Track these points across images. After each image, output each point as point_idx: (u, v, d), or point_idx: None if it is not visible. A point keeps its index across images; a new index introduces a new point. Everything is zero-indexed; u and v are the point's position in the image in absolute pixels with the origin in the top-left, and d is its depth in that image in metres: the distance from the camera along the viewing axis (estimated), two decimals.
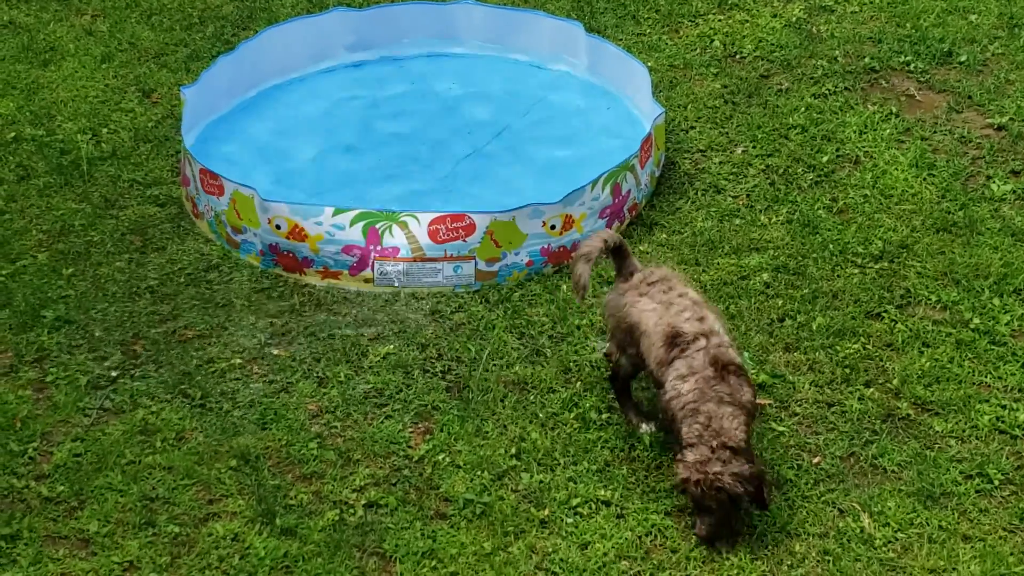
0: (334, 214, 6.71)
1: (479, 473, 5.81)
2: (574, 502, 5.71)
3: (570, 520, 5.64)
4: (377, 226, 6.72)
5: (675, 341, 5.64)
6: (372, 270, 6.75)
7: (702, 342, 5.61)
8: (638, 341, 5.78)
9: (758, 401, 6.09)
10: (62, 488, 5.76)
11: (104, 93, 8.26)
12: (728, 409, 5.47)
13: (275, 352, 6.45)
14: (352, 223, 6.72)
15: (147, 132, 7.92)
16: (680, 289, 5.82)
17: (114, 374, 6.33)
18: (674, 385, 5.57)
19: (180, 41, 8.75)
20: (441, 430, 6.03)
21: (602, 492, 5.74)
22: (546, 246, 6.82)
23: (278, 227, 6.78)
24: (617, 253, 5.99)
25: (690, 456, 5.42)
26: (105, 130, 7.93)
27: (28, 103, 8.15)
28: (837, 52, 8.47)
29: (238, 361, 6.39)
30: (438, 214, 6.70)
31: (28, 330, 6.55)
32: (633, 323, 5.80)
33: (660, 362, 5.67)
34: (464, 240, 6.69)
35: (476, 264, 6.74)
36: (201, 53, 8.57)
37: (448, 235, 6.69)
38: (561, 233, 6.83)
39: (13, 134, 7.88)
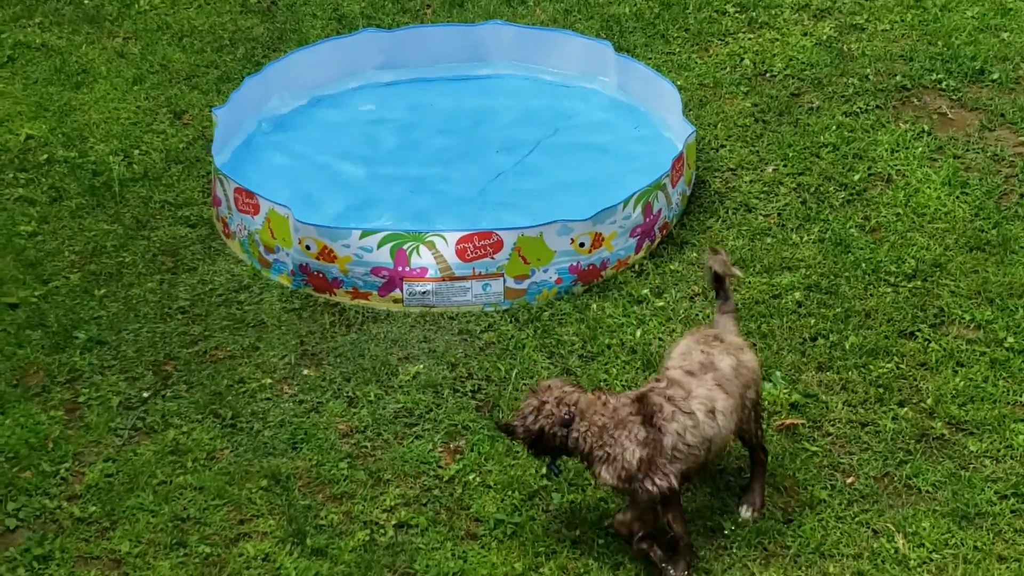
0: (361, 236, 6.72)
1: (510, 493, 5.79)
2: (606, 523, 5.68)
3: (601, 541, 5.61)
4: (404, 247, 6.71)
5: None
6: (401, 290, 6.75)
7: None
8: None
9: (790, 421, 6.07)
10: (94, 508, 5.77)
11: (136, 115, 8.30)
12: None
13: (305, 372, 6.45)
14: (380, 245, 6.72)
15: (178, 153, 7.96)
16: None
17: (146, 395, 6.34)
18: None
19: (211, 63, 8.78)
20: (471, 450, 6.01)
21: None
22: (575, 264, 6.81)
23: (308, 247, 6.79)
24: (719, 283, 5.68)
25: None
26: (137, 151, 7.97)
27: (60, 125, 8.19)
28: (868, 70, 8.43)
29: (268, 381, 6.39)
30: (465, 232, 6.70)
31: (60, 351, 6.57)
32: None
33: None
34: (492, 257, 6.69)
35: (505, 282, 6.73)
36: (232, 75, 8.60)
37: (476, 253, 6.68)
38: (590, 251, 6.82)
39: (45, 156, 7.93)
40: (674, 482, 5.31)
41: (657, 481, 5.28)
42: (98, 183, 7.69)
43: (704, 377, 5.39)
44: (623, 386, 6.30)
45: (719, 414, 5.36)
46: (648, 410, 5.31)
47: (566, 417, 5.30)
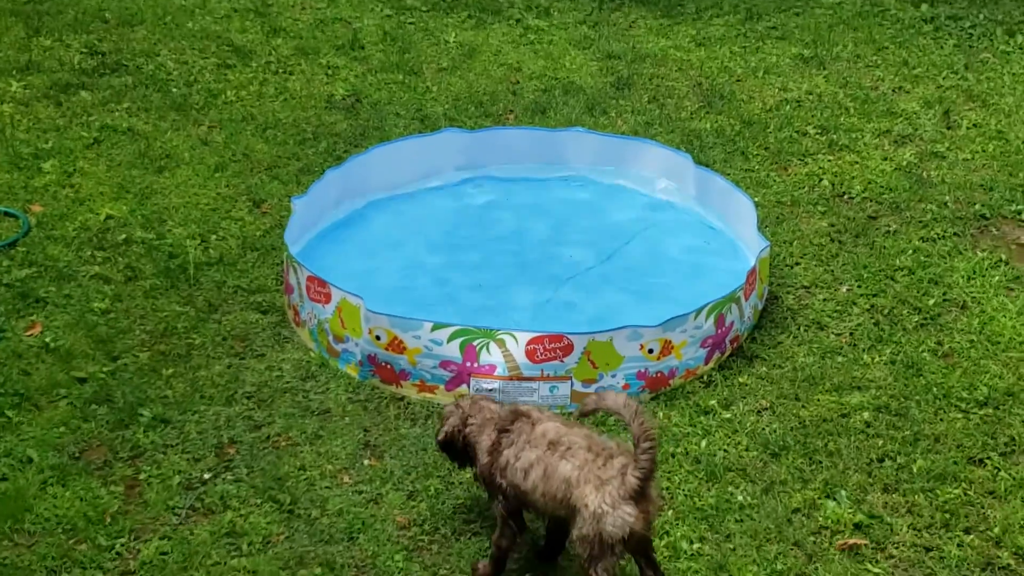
0: (433, 329, 6.73)
1: None
2: None
3: None
4: (475, 343, 6.71)
5: None
6: (468, 386, 6.73)
7: None
8: None
9: (853, 541, 5.97)
10: None
11: (215, 201, 8.40)
12: None
13: (367, 463, 6.43)
14: (450, 339, 6.72)
15: (255, 241, 8.04)
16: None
17: (206, 476, 6.34)
18: None
19: (292, 155, 8.90)
20: (529, 549, 5.94)
21: None
22: (643, 370, 6.77)
23: (378, 338, 6.80)
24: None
25: None
26: (214, 237, 8.06)
27: (140, 207, 8.31)
28: (947, 197, 8.40)
29: (329, 470, 6.37)
30: (536, 334, 6.69)
31: (125, 427, 6.60)
32: None
33: None
34: (561, 360, 6.66)
35: (572, 385, 6.70)
36: (312, 167, 8.71)
37: (545, 355, 6.67)
38: (659, 358, 6.78)
39: (124, 236, 8.03)
40: (499, 505, 5.64)
41: (492, 491, 5.67)
42: (173, 265, 7.77)
43: (571, 447, 5.45)
44: (685, 495, 6.23)
45: (547, 477, 5.45)
46: (506, 425, 5.65)
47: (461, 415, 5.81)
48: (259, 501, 6.20)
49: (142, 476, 6.33)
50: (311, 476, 6.33)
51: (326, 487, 6.27)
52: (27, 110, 9.34)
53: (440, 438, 5.93)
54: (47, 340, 7.14)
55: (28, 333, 7.22)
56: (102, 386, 6.86)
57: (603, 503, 5.27)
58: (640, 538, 5.37)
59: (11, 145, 8.90)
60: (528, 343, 6.68)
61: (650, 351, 6.75)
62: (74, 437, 6.53)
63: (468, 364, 6.70)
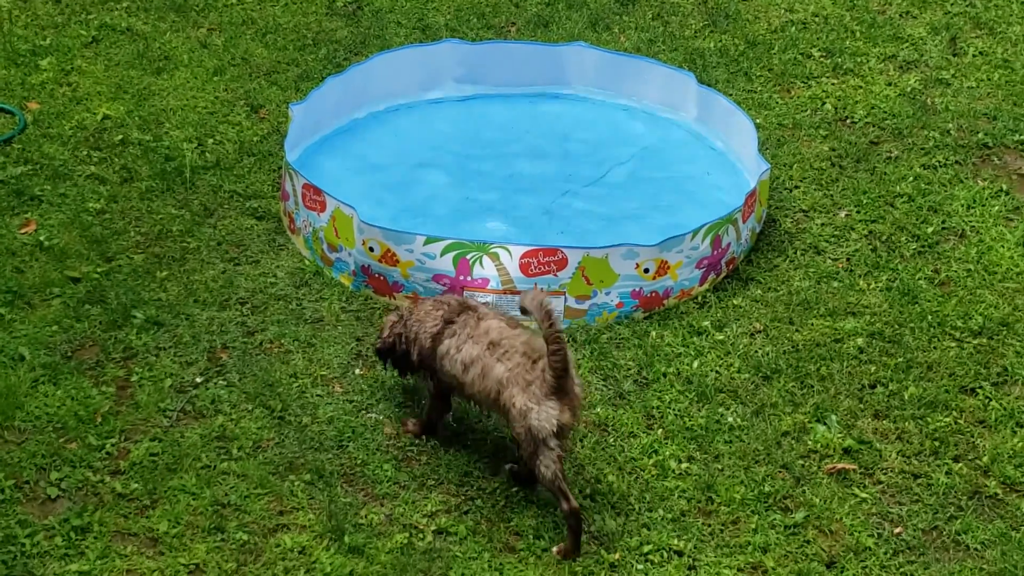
0: (425, 243, 6.69)
1: (552, 510, 5.73)
2: (646, 549, 5.61)
3: (640, 567, 5.55)
4: (468, 256, 6.69)
5: None
6: None
7: None
8: None
9: (841, 465, 5.99)
10: (136, 486, 5.77)
11: (213, 105, 8.33)
12: None
13: (358, 372, 6.42)
14: (443, 252, 6.69)
15: (252, 146, 7.98)
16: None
17: (198, 379, 6.34)
18: None
19: (292, 60, 8.82)
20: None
21: (675, 542, 5.64)
22: (638, 289, 6.75)
23: (371, 249, 6.77)
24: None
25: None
26: (211, 140, 8.00)
27: (138, 108, 8.24)
28: (950, 125, 8.34)
29: (321, 378, 6.37)
30: (530, 247, 6.66)
31: (118, 328, 6.59)
32: None
33: None
34: (555, 275, 6.64)
35: (566, 300, 6.68)
36: (312, 73, 8.63)
37: (540, 269, 6.64)
38: (654, 278, 6.76)
39: (120, 137, 7.97)
40: (431, 385, 5.96)
41: (428, 372, 5.96)
42: (169, 168, 7.72)
43: (508, 350, 5.69)
44: (675, 415, 6.23)
45: (484, 376, 5.70)
46: (453, 316, 5.90)
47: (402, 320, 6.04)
48: (250, 406, 6.20)
49: (134, 378, 6.33)
50: (303, 383, 6.33)
51: (317, 395, 6.28)
52: (25, 6, 9.24)
53: (379, 346, 6.08)
54: (41, 238, 7.11)
55: (22, 231, 7.19)
56: (95, 286, 6.83)
57: (528, 402, 5.52)
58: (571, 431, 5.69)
59: (8, 41, 8.81)
60: (522, 256, 6.65)
61: (646, 270, 6.73)
62: (66, 336, 6.52)
63: (461, 277, 6.68)
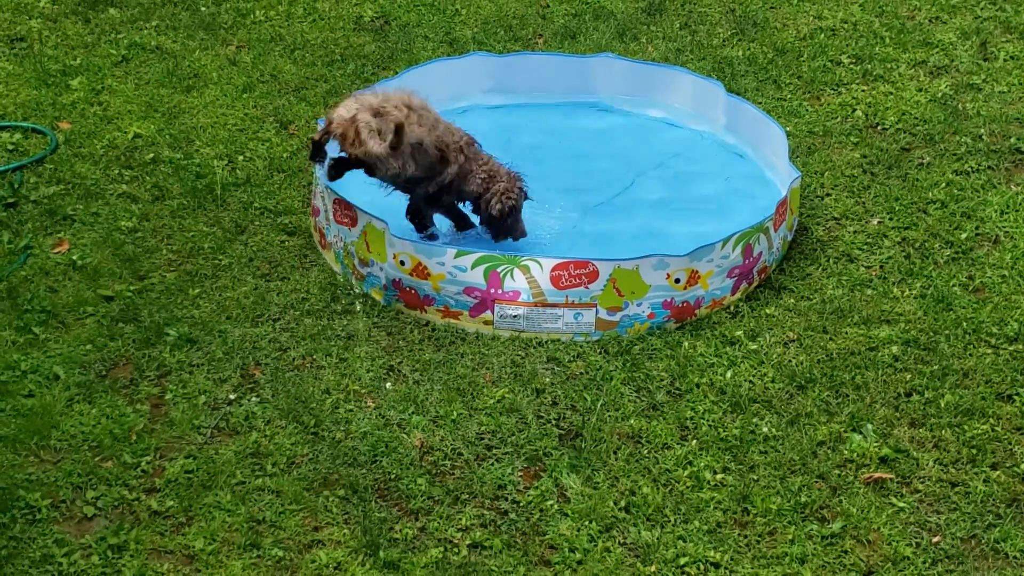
0: (456, 256, 6.69)
1: (587, 523, 5.72)
2: (682, 561, 5.58)
3: None
4: (499, 269, 6.68)
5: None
6: (492, 312, 6.71)
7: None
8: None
9: (879, 475, 5.95)
10: (171, 503, 5.78)
11: (243, 122, 8.36)
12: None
13: (390, 387, 6.42)
14: (474, 265, 6.69)
15: (281, 162, 8.00)
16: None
17: (232, 396, 6.35)
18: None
19: (321, 76, 8.85)
20: (551, 477, 5.95)
21: (712, 553, 5.61)
22: (669, 299, 6.73)
23: (402, 263, 6.78)
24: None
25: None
26: (241, 157, 8.03)
27: (168, 126, 8.28)
28: (982, 130, 8.30)
29: (354, 393, 6.37)
30: (561, 260, 6.65)
31: (151, 346, 6.61)
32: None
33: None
34: (586, 287, 6.63)
35: (597, 312, 6.67)
36: (340, 89, 8.65)
37: (570, 281, 6.63)
38: (685, 288, 6.74)
39: (152, 155, 8.01)
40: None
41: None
42: (200, 185, 7.75)
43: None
44: (709, 426, 6.21)
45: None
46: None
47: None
48: (283, 422, 6.21)
49: (168, 395, 6.34)
50: (335, 399, 6.34)
51: (350, 410, 6.28)
52: (55, 26, 9.30)
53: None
54: (74, 258, 7.14)
55: (55, 250, 7.23)
56: (129, 305, 6.86)
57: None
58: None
59: (39, 61, 8.87)
60: (553, 269, 6.64)
61: (676, 280, 6.71)
62: (100, 355, 6.54)
63: (492, 291, 6.68)
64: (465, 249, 6.70)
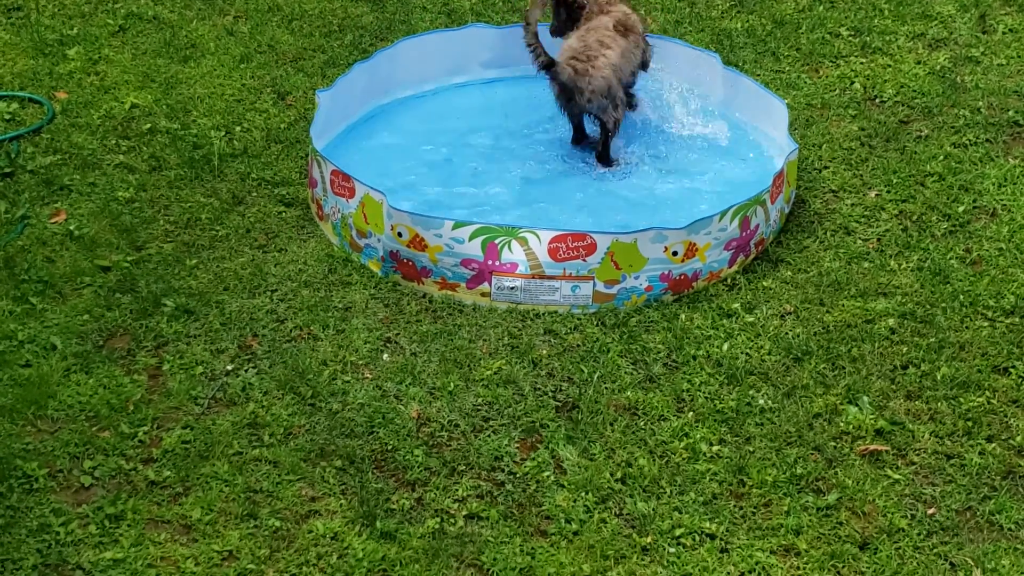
0: (454, 227, 6.69)
1: (583, 494, 5.73)
2: (678, 532, 5.60)
3: (672, 550, 5.54)
4: (496, 241, 6.68)
5: None
6: (489, 284, 6.72)
7: None
8: None
9: (874, 447, 5.97)
10: (168, 473, 5.79)
11: (240, 92, 8.35)
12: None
13: (387, 358, 6.43)
14: (471, 237, 6.68)
15: (279, 133, 7.99)
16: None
17: (228, 367, 6.36)
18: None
19: (318, 47, 8.82)
20: (547, 448, 5.96)
21: (707, 524, 5.63)
22: (667, 272, 6.73)
23: (400, 234, 6.78)
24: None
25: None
26: (239, 128, 8.01)
27: (165, 97, 8.26)
28: (981, 103, 8.29)
29: (351, 364, 6.38)
30: (559, 232, 6.65)
31: (148, 317, 6.61)
32: None
33: None
34: (584, 260, 6.63)
35: (595, 285, 6.67)
36: (338, 60, 8.63)
37: (568, 254, 6.63)
38: (683, 260, 6.74)
39: (149, 126, 8.00)
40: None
41: None
42: (198, 156, 7.74)
43: None
44: (705, 398, 6.22)
45: None
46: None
47: None
48: (281, 393, 6.21)
49: (165, 366, 6.35)
50: (332, 370, 6.34)
51: (347, 381, 6.28)
52: None
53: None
54: (71, 228, 7.14)
55: (52, 220, 7.22)
56: (126, 275, 6.86)
57: None
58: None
59: (36, 31, 8.84)
60: (551, 241, 6.64)
61: (674, 253, 6.71)
62: (97, 325, 6.54)
63: (490, 262, 6.67)
64: (462, 221, 6.70)
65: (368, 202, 6.87)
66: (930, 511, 5.72)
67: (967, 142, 7.96)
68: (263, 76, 8.51)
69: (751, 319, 6.68)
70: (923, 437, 6.06)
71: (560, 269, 6.66)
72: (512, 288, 6.69)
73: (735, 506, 5.72)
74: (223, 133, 7.95)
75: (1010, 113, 8.19)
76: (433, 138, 7.89)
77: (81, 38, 8.79)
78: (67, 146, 7.79)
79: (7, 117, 8.05)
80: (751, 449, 5.99)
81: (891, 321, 6.66)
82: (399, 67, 8.13)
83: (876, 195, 7.55)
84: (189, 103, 8.22)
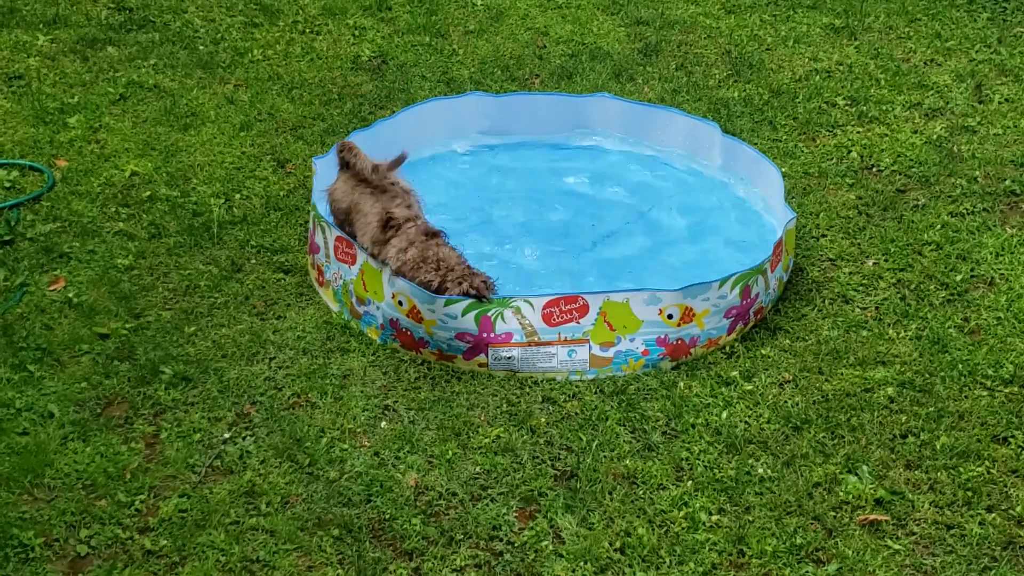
0: (445, 304, 6.68)
1: (582, 564, 5.70)
2: None
3: None
4: (489, 314, 6.68)
5: (389, 224, 6.94)
6: (486, 356, 6.71)
7: (411, 224, 6.95)
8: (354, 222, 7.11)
9: (874, 516, 5.94)
10: (165, 543, 5.75)
11: (240, 160, 8.38)
12: (445, 250, 6.82)
13: (385, 426, 6.41)
14: (464, 312, 6.68)
15: (278, 200, 8.02)
16: (393, 178, 7.19)
17: (226, 435, 6.34)
18: (398, 256, 6.83)
19: (318, 115, 8.87)
20: (546, 517, 5.93)
21: None
22: (663, 336, 6.73)
23: (400, 303, 6.78)
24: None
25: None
26: (238, 196, 8.04)
27: (166, 164, 8.30)
28: (977, 172, 8.33)
29: (348, 432, 6.36)
30: (551, 297, 6.65)
31: (146, 384, 6.60)
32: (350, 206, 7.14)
33: (375, 241, 6.94)
34: (578, 322, 6.63)
35: (591, 348, 6.67)
36: (337, 128, 8.68)
37: (562, 317, 6.63)
38: (679, 324, 6.74)
39: (148, 193, 8.02)
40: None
41: None
42: (197, 223, 7.76)
43: None
44: (705, 467, 6.20)
45: None
46: None
47: None
48: (278, 461, 6.19)
49: (163, 434, 6.33)
50: (330, 438, 6.32)
51: (344, 449, 6.26)
52: (53, 64, 9.33)
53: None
54: (70, 295, 7.14)
55: (51, 288, 7.23)
56: (124, 343, 6.85)
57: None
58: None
59: (37, 99, 8.89)
60: (544, 307, 6.64)
61: (669, 316, 6.71)
62: (95, 393, 6.53)
63: (485, 335, 6.67)
64: (453, 298, 6.69)
65: (368, 269, 6.88)
66: None
67: (964, 211, 7.99)
68: (263, 144, 8.55)
69: (750, 387, 6.67)
70: (923, 507, 6.03)
71: (555, 334, 6.65)
72: (509, 357, 6.69)
73: None
74: (223, 200, 7.98)
75: (1007, 182, 8.23)
76: (433, 204, 7.91)
77: (82, 106, 8.84)
78: (67, 214, 7.81)
79: (7, 185, 8.07)
80: (751, 519, 5.96)
81: (890, 390, 6.65)
82: (399, 135, 8.15)
83: (874, 264, 7.56)
84: (189, 171, 8.25)
